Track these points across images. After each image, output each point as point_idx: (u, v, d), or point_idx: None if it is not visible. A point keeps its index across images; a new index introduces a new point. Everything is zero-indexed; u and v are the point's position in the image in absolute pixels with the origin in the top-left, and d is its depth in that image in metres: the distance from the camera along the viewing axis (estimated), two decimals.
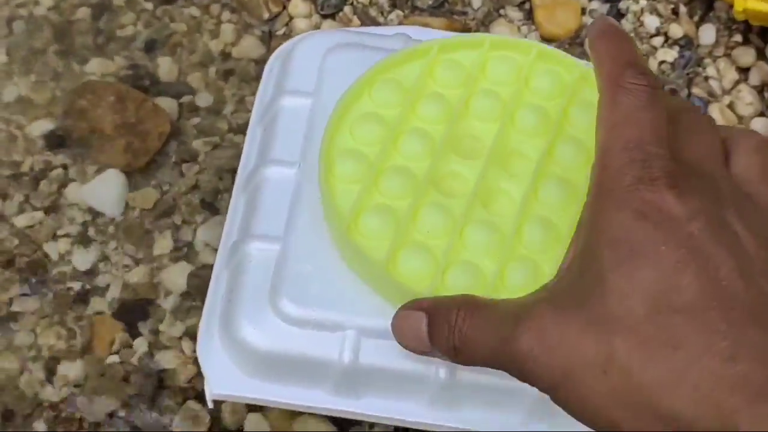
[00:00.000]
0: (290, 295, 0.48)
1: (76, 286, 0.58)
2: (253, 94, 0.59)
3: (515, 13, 0.66)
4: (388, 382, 0.48)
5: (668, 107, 0.40)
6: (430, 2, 0.66)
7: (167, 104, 0.63)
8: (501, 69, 0.52)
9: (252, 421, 0.55)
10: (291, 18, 0.66)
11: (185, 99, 0.63)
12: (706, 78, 0.65)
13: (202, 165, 0.61)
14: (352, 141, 0.50)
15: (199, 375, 0.55)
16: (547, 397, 0.38)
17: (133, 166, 0.61)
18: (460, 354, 0.40)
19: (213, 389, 0.49)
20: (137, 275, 0.58)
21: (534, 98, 0.51)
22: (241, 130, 0.62)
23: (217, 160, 0.61)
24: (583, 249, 0.38)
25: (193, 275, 0.58)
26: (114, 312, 0.57)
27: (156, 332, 0.57)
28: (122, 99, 0.62)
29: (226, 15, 0.66)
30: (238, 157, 0.56)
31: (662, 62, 0.65)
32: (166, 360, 0.56)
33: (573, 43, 0.66)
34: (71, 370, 0.56)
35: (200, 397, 0.56)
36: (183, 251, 0.59)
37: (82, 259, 0.59)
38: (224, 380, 0.49)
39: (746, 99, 0.64)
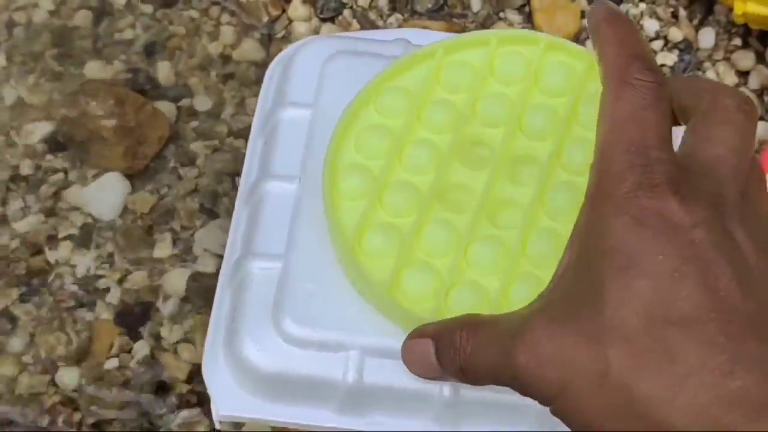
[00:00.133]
0: (293, 315, 0.47)
1: (75, 289, 0.58)
2: (253, 96, 0.59)
3: (515, 17, 0.66)
4: (393, 401, 0.48)
5: (686, 89, 0.38)
6: (430, 6, 0.66)
7: (166, 108, 0.63)
8: (509, 66, 0.51)
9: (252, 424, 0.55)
10: (290, 21, 0.66)
11: (184, 102, 0.63)
12: None
13: (202, 169, 0.61)
14: (356, 155, 0.49)
15: (198, 378, 0.55)
16: (549, 412, 0.38)
17: (132, 169, 0.61)
18: (466, 374, 0.40)
19: (219, 410, 0.49)
20: (136, 279, 0.58)
21: (543, 96, 0.50)
22: (241, 133, 0.62)
23: (216, 164, 0.61)
24: (578, 256, 0.37)
25: (192, 279, 0.58)
26: (113, 316, 0.57)
27: (155, 336, 0.57)
28: (121, 102, 0.62)
29: (225, 18, 0.66)
30: (237, 160, 0.55)
31: (662, 66, 0.65)
32: (165, 364, 0.56)
33: None
34: (70, 374, 0.56)
35: (199, 401, 0.56)
36: (182, 255, 0.59)
37: (81, 262, 0.59)
38: (230, 400, 0.49)
39: None
